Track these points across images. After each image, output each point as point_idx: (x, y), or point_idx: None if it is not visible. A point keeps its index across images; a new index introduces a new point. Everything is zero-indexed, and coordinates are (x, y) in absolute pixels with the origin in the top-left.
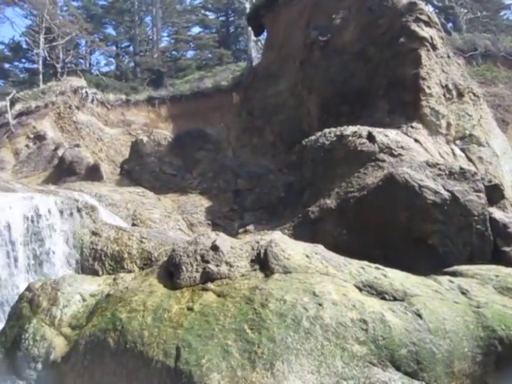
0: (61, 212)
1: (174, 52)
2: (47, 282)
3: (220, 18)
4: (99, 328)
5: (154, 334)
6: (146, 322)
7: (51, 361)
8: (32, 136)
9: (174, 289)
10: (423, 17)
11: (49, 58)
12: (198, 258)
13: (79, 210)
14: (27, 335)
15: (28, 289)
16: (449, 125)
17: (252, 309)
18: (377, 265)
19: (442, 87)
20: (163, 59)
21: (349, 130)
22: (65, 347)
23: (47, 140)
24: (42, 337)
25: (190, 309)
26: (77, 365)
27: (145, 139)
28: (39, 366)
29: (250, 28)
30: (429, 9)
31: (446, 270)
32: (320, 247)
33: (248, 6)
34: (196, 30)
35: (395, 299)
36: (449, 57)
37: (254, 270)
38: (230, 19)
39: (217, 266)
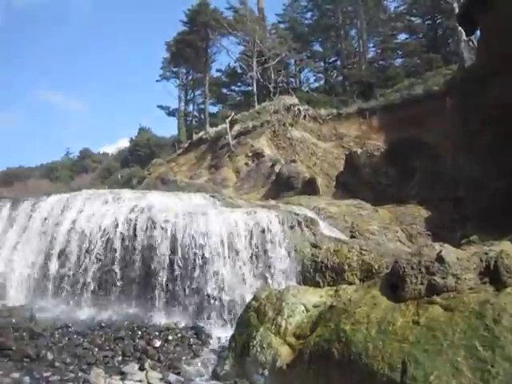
0: (282, 225)
1: (381, 62)
2: (272, 293)
3: (426, 22)
4: (323, 338)
5: (379, 347)
6: (370, 335)
7: (277, 368)
8: (250, 154)
9: (397, 301)
10: None
11: (261, 80)
12: (423, 269)
13: (299, 224)
14: (255, 342)
15: (255, 298)
16: None
17: (483, 324)
18: None
19: None
20: (371, 70)
21: None
22: (290, 355)
23: (264, 157)
24: (269, 344)
25: (416, 322)
26: (302, 373)
27: (358, 151)
28: (266, 372)
29: (460, 28)
30: None
31: None
32: None
33: (456, 5)
34: (402, 36)
35: None
36: None
37: (484, 282)
38: (437, 22)
39: (443, 278)
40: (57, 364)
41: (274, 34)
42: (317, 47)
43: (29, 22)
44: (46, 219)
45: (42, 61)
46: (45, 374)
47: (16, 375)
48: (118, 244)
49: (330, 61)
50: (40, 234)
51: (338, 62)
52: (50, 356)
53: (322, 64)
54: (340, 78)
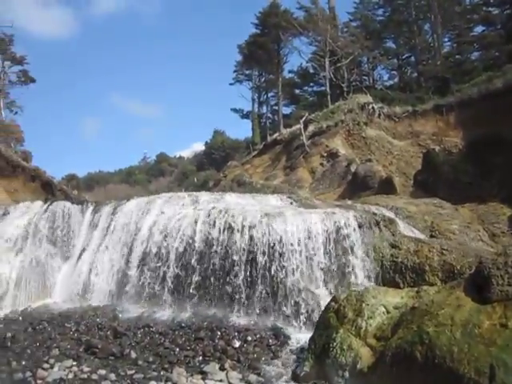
0: (360, 226)
1: (457, 56)
2: (352, 294)
3: (505, 12)
4: (405, 341)
5: (464, 351)
6: (454, 337)
7: (358, 370)
8: (325, 154)
9: (483, 303)
10: None
11: (334, 79)
12: (510, 270)
13: (377, 224)
14: (335, 344)
15: (334, 300)
16: None
17: None
18: None
19: None
20: (447, 65)
21: None
22: (371, 357)
23: (340, 157)
24: (349, 346)
25: (504, 325)
26: (383, 376)
27: (436, 149)
28: (346, 374)
29: None
30: None
31: None
32: None
33: None
34: (479, 29)
35: None
36: None
37: None
38: None
39: None
40: (140, 362)
41: (346, 33)
42: (390, 44)
43: (104, 33)
44: (126, 222)
45: (118, 69)
46: (129, 372)
47: (102, 372)
48: (196, 246)
49: (404, 57)
50: (121, 236)
51: (412, 58)
52: (133, 354)
53: (396, 61)
54: (415, 74)
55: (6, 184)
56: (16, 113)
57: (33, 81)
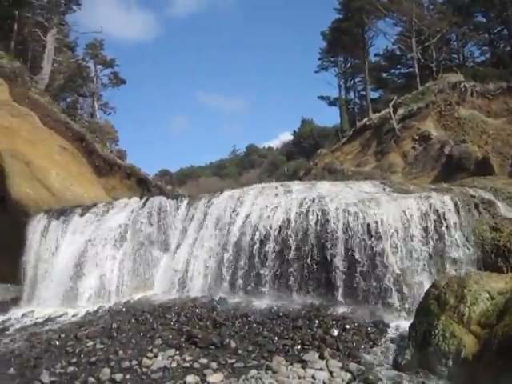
0: (458, 209)
1: None
2: (452, 280)
3: None
4: None
5: None
6: None
7: (462, 358)
8: (417, 137)
9: None
10: None
11: (423, 60)
12: None
13: (477, 206)
14: (437, 331)
15: (434, 286)
16: None
17: None
18: None
19: None
20: None
21: None
22: (475, 345)
23: (432, 139)
24: (452, 334)
25: None
26: (489, 365)
27: None
28: (450, 362)
29: None
30: None
31: None
32: None
33: None
34: None
35: None
36: None
37: None
38: None
39: None
40: (240, 351)
41: (433, 10)
42: (480, 18)
43: (185, 32)
44: (220, 214)
45: (201, 67)
46: (229, 361)
47: (204, 361)
48: (291, 235)
49: (496, 31)
50: (216, 228)
51: (505, 31)
52: (233, 344)
53: (487, 35)
54: (508, 48)
55: (104, 182)
56: (109, 114)
57: (123, 82)
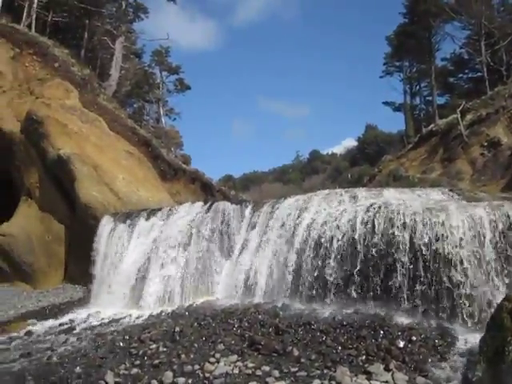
0: None
1: None
2: None
3: None
4: None
5: None
6: None
7: None
8: (486, 144)
9: None
10: None
11: (492, 64)
12: None
13: None
14: (510, 348)
15: (507, 299)
16: None
17: None
18: None
19: None
20: None
21: None
22: None
23: (502, 146)
24: None
25: None
26: None
27: None
28: None
29: None
30: None
31: None
32: None
33: None
34: None
35: None
36: None
37: None
38: None
39: None
40: (302, 360)
41: (503, 12)
42: None
43: (247, 40)
44: (284, 220)
45: (262, 73)
46: (292, 369)
47: (266, 368)
48: (356, 243)
49: None
50: (279, 234)
51: None
52: (295, 352)
53: None
54: None
55: (169, 187)
56: (175, 119)
57: (188, 88)
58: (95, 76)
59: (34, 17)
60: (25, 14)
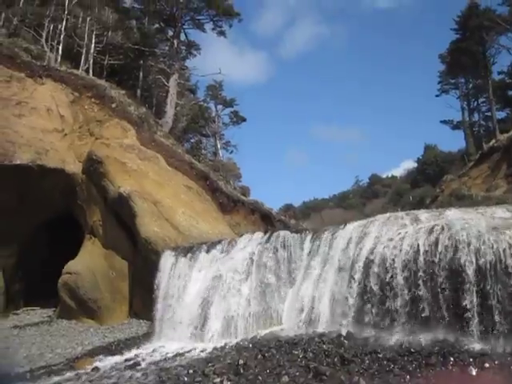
0: None
1: None
2: None
3: None
4: None
5: None
6: None
7: None
8: None
9: None
10: None
11: None
12: None
13: None
14: None
15: None
16: None
17: None
18: None
19: None
20: None
21: None
22: None
23: None
24: None
25: None
26: None
27: None
28: None
29: None
30: None
31: None
32: None
33: None
34: None
35: None
36: None
37: None
38: None
39: None
40: None
41: None
42: None
43: (297, 70)
44: (345, 247)
45: (312, 100)
46: None
47: None
48: (420, 267)
49: None
50: (341, 261)
51: None
52: (362, 382)
53: None
54: None
55: (229, 218)
56: (232, 152)
57: (243, 120)
58: (151, 114)
59: (91, 61)
60: (83, 59)
